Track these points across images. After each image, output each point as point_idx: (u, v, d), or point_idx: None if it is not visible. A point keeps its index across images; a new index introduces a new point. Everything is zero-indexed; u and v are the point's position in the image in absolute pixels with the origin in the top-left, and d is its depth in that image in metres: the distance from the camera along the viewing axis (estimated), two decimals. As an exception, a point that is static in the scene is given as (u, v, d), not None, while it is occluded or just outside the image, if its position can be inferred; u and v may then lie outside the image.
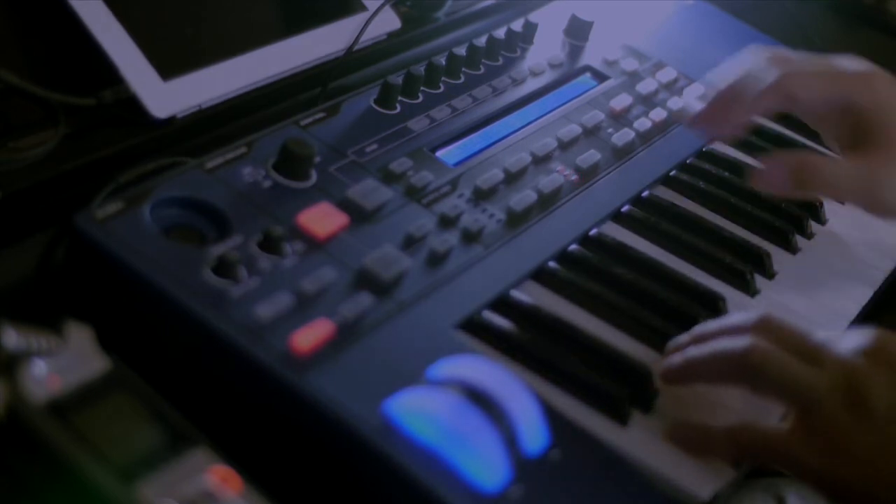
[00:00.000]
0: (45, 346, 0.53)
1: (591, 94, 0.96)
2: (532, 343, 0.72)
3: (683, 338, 0.72)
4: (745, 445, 0.67)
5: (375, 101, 0.86)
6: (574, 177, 0.86)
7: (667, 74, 1.02)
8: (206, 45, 0.86)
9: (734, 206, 0.91)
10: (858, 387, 0.64)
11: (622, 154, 0.91)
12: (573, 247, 0.81)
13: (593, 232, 0.83)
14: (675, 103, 0.98)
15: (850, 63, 0.79)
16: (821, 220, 0.94)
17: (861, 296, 0.87)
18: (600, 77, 0.99)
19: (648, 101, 0.98)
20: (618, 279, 0.79)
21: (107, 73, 0.80)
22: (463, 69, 0.92)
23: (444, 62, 0.91)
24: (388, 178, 0.79)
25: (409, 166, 0.80)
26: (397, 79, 0.87)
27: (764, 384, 0.66)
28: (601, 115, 0.93)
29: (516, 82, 0.94)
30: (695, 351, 0.69)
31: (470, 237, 0.77)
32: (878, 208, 0.81)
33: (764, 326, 0.68)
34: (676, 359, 0.70)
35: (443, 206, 0.78)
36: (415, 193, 0.78)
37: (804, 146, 0.99)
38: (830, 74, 0.78)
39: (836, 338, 0.68)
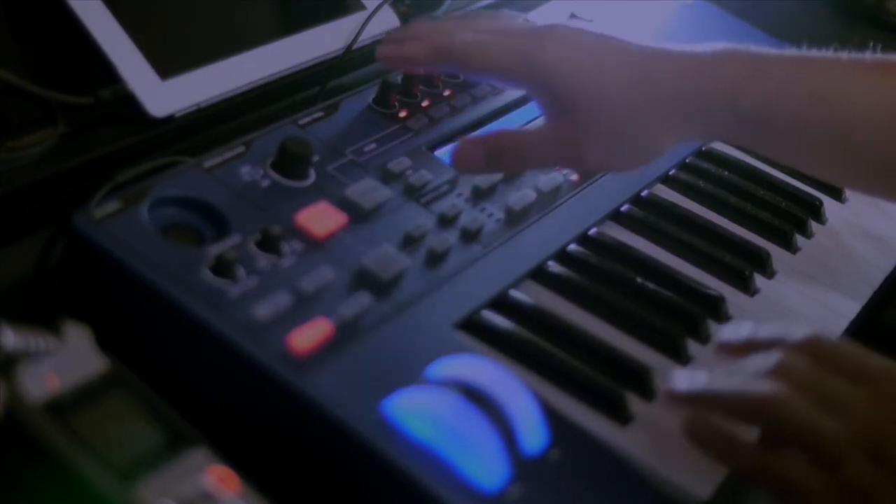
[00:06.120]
0: (43, 346, 0.53)
1: (591, 94, 0.96)
2: (531, 343, 0.71)
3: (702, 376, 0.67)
4: (771, 480, 0.64)
5: (374, 101, 0.85)
6: (573, 176, 0.86)
7: (666, 73, 1.02)
8: (204, 44, 0.86)
9: (734, 205, 0.91)
10: (885, 441, 0.61)
11: (621, 153, 0.90)
12: (572, 246, 0.81)
13: (593, 231, 0.83)
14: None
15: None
16: (821, 220, 0.94)
17: (861, 295, 0.87)
18: (599, 76, 0.99)
19: (648, 101, 0.98)
20: (617, 279, 0.79)
21: (105, 71, 0.80)
22: (462, 68, 0.92)
23: (443, 61, 0.90)
24: (387, 177, 0.78)
25: (407, 165, 0.80)
26: (396, 78, 0.86)
27: (783, 435, 0.63)
28: (600, 115, 0.93)
29: (515, 81, 0.94)
30: (715, 383, 0.66)
31: (469, 236, 0.76)
32: (586, 168, 0.82)
33: (787, 368, 0.64)
34: (688, 384, 0.67)
35: (441, 205, 0.78)
36: (413, 193, 0.78)
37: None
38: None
39: (869, 373, 0.65)
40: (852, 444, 0.61)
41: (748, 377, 0.65)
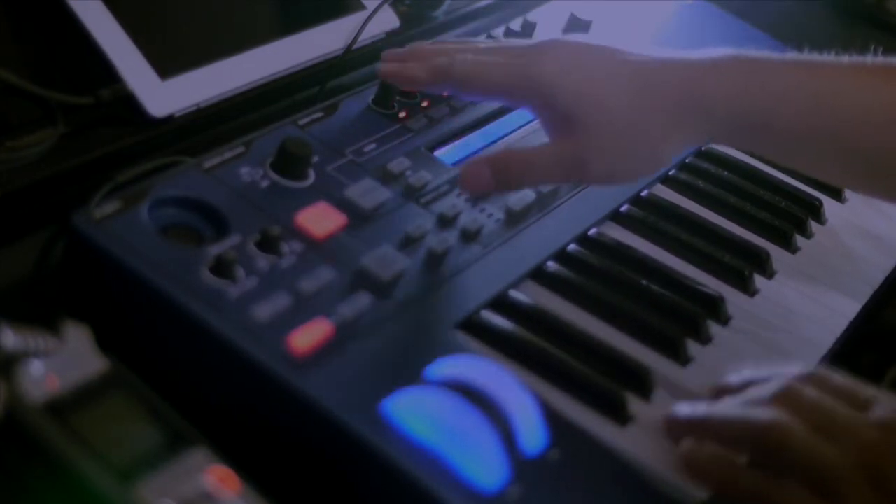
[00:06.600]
0: (43, 346, 0.53)
1: (591, 94, 0.96)
2: (531, 343, 0.71)
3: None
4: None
5: (374, 101, 0.85)
6: (573, 176, 0.86)
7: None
8: (204, 44, 0.86)
9: (734, 205, 0.91)
10: (884, 468, 0.61)
11: (621, 153, 0.90)
12: (572, 246, 0.81)
13: (592, 231, 0.83)
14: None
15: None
16: (821, 220, 0.94)
17: (861, 295, 0.87)
18: (599, 76, 0.99)
19: (647, 101, 0.98)
20: (617, 279, 0.79)
21: (104, 71, 0.80)
22: (462, 68, 0.92)
23: (442, 61, 0.90)
24: (387, 177, 0.78)
25: (407, 166, 0.80)
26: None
27: (784, 463, 0.63)
28: (600, 115, 0.93)
29: (515, 81, 0.94)
30: (716, 410, 0.66)
31: (468, 237, 0.76)
32: (591, 181, 0.81)
33: (787, 396, 0.65)
34: (689, 411, 0.67)
35: (441, 205, 0.78)
36: (413, 193, 0.78)
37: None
38: None
39: (863, 401, 0.65)
40: (852, 472, 0.61)
41: (748, 405, 0.65)
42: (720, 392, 0.70)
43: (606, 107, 0.72)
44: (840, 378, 0.68)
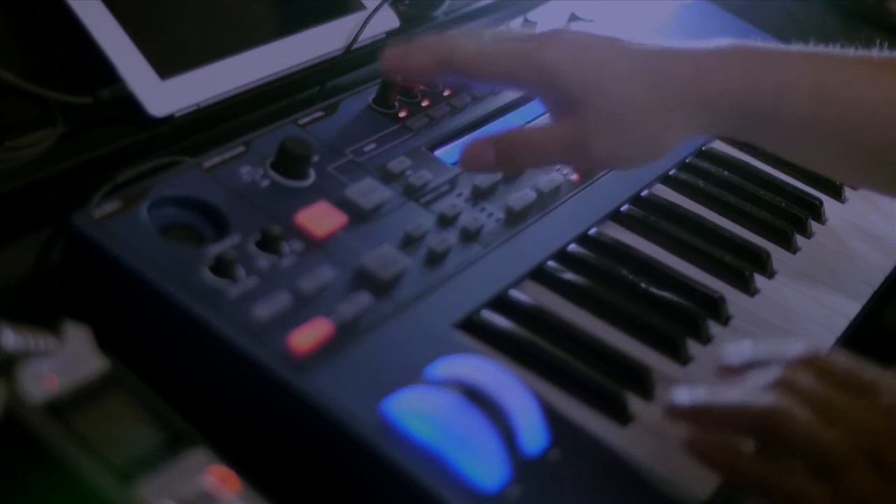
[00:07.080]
0: (43, 346, 0.53)
1: (591, 93, 0.96)
2: (531, 343, 0.71)
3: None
4: (772, 491, 0.63)
5: (374, 100, 0.85)
6: (573, 176, 0.86)
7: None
8: (204, 44, 0.86)
9: (734, 205, 0.91)
10: (884, 449, 0.61)
11: (621, 153, 0.90)
12: (572, 246, 0.81)
13: (592, 231, 0.83)
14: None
15: None
16: (821, 220, 0.94)
17: (861, 295, 0.87)
18: (599, 76, 0.99)
19: (648, 100, 0.97)
20: (617, 279, 0.79)
21: (104, 71, 0.80)
22: (462, 68, 0.92)
23: (442, 61, 0.90)
24: (387, 177, 0.78)
25: (407, 165, 0.80)
26: (396, 77, 0.86)
27: (785, 447, 0.63)
28: (600, 114, 0.93)
29: (515, 81, 0.94)
30: (716, 397, 0.65)
31: (469, 236, 0.76)
32: (593, 165, 0.83)
33: (787, 382, 0.64)
34: (689, 398, 0.66)
35: (441, 205, 0.78)
36: (413, 193, 0.78)
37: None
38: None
39: (865, 384, 0.65)
40: (852, 454, 0.61)
41: (749, 391, 0.65)
42: (723, 373, 0.69)
43: (609, 92, 0.73)
44: (842, 361, 0.67)
